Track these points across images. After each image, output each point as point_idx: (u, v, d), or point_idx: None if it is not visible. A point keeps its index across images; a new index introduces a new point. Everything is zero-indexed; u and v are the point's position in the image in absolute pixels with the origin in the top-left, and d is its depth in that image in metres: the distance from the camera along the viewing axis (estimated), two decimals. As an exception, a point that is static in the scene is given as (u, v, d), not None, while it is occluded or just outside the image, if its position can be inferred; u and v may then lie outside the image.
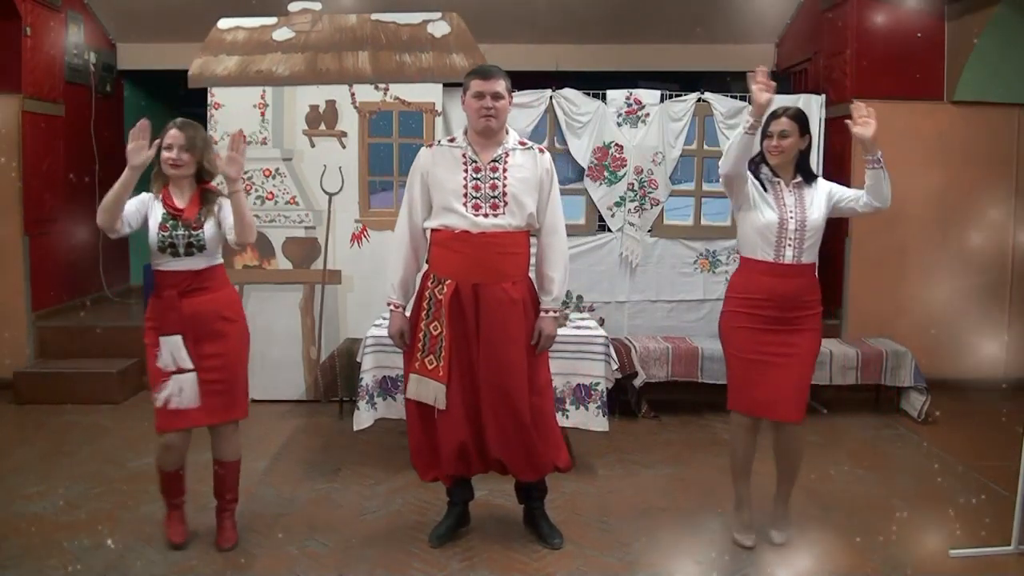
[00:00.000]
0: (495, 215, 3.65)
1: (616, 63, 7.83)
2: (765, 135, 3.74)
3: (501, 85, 3.65)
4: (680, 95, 6.44)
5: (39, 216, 6.64)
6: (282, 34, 6.21)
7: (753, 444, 3.89)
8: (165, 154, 3.64)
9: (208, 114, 6.12)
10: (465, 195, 3.66)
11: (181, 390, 3.62)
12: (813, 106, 6.45)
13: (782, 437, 3.86)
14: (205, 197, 3.72)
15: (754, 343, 3.74)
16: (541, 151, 3.80)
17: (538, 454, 3.75)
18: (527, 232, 3.76)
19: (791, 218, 3.70)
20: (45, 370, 6.30)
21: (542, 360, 3.84)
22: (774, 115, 3.76)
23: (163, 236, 3.63)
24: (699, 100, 6.37)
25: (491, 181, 3.67)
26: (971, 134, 6.60)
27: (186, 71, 6.16)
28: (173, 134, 3.64)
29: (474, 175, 3.68)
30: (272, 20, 6.27)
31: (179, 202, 3.68)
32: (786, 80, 7.75)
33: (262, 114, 6.12)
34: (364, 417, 4.65)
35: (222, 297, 3.76)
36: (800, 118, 3.77)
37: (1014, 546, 3.78)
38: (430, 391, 3.70)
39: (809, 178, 3.82)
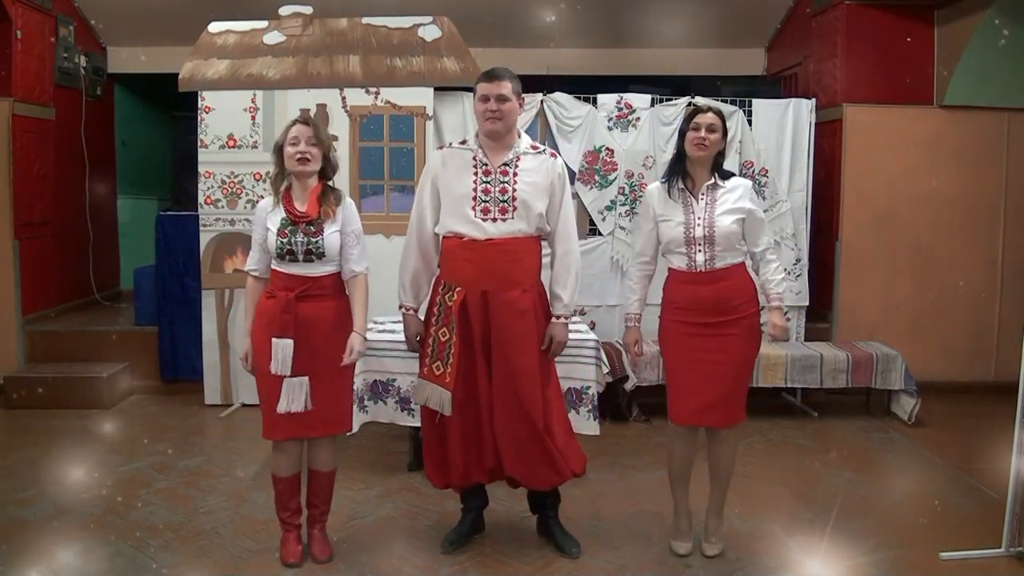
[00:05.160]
0: (503, 219, 3.62)
1: (607, 67, 7.84)
2: (690, 128, 3.67)
3: (507, 87, 3.61)
4: (670, 99, 6.45)
5: (29, 220, 6.62)
6: (273, 38, 6.20)
7: (691, 452, 3.84)
8: (291, 150, 3.55)
9: (199, 118, 6.11)
10: (475, 199, 3.63)
11: (294, 395, 3.54)
12: (803, 110, 6.48)
13: (714, 443, 3.82)
14: (325, 195, 3.63)
15: (685, 350, 3.70)
16: (553, 155, 3.77)
17: (555, 460, 3.71)
18: (537, 237, 3.73)
19: (698, 224, 3.65)
20: (34, 375, 6.26)
21: (552, 366, 3.82)
22: (699, 110, 3.71)
23: (281, 242, 3.54)
24: (689, 104, 6.37)
25: (501, 185, 3.64)
26: (961, 138, 6.64)
27: (177, 74, 6.14)
28: (299, 129, 3.57)
29: (484, 178, 3.65)
30: (263, 24, 6.25)
31: (299, 204, 3.60)
32: (776, 84, 7.78)
33: (253, 118, 6.11)
34: (353, 421, 4.62)
35: (338, 306, 3.66)
36: (722, 116, 3.71)
37: (1004, 548, 3.79)
38: (436, 397, 3.67)
39: (724, 176, 3.74)
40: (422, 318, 3.81)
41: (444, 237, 3.72)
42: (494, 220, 3.62)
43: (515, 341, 3.63)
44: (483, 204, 3.63)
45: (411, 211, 3.84)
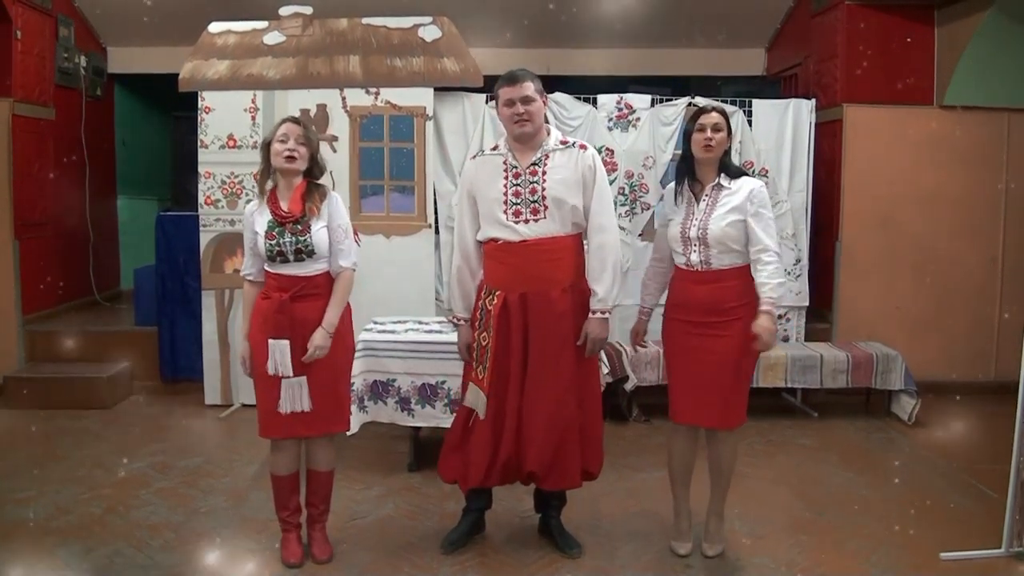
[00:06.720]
0: (536, 220, 3.62)
1: (607, 67, 7.84)
2: (696, 129, 3.66)
3: (530, 88, 3.60)
4: (670, 99, 6.45)
5: (29, 220, 6.62)
6: (273, 38, 6.20)
7: (691, 452, 3.84)
8: (279, 147, 3.56)
9: (199, 118, 6.11)
10: (506, 202, 3.64)
11: (295, 395, 3.56)
12: (803, 110, 6.47)
13: (713, 445, 3.81)
14: (309, 193, 3.62)
15: (680, 348, 3.71)
16: (583, 147, 3.72)
17: (575, 463, 3.70)
18: (576, 235, 3.71)
19: (693, 225, 3.64)
20: (35, 375, 6.27)
21: (592, 365, 3.80)
22: (703, 110, 3.70)
23: (270, 244, 3.54)
24: (689, 104, 6.37)
25: (531, 185, 3.63)
26: (960, 138, 6.63)
27: (177, 75, 6.14)
28: (288, 127, 3.59)
29: (514, 181, 3.65)
30: (263, 24, 6.25)
31: (285, 204, 3.60)
32: (776, 84, 7.78)
33: (253, 118, 6.11)
34: (353, 421, 4.62)
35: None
36: (726, 115, 3.69)
37: (1004, 549, 3.80)
38: (477, 400, 3.70)
39: (733, 175, 3.69)
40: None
41: (484, 243, 3.73)
42: (526, 221, 3.62)
43: (553, 342, 3.62)
44: (514, 207, 3.63)
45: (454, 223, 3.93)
